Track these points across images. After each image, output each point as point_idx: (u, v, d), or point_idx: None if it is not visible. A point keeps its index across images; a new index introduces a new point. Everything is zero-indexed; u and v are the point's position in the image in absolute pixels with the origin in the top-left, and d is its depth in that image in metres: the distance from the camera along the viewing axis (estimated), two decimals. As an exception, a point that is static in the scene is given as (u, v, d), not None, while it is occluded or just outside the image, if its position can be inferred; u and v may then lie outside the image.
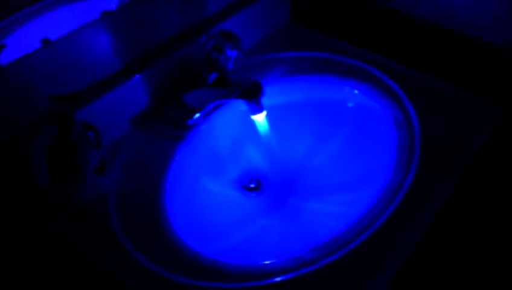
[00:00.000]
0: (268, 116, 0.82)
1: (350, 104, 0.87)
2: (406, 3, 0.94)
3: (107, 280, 0.65)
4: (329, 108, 0.88)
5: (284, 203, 0.84)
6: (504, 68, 0.87)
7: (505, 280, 0.80)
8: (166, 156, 0.78)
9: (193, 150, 0.81)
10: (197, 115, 0.81)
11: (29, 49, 0.64)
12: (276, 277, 0.61)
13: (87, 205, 0.70)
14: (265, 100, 0.79)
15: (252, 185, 0.86)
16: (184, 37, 0.84)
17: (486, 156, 0.77)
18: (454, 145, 0.74)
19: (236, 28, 0.83)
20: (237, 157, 0.87)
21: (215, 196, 0.82)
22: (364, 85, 0.86)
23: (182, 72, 0.82)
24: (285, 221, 0.81)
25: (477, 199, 0.85)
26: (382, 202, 0.69)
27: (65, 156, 0.65)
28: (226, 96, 0.78)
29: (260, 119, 0.80)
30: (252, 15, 0.92)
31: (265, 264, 0.64)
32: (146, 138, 0.80)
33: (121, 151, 0.77)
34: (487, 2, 0.84)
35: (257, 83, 0.77)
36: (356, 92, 0.86)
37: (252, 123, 0.82)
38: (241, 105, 0.80)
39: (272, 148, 0.87)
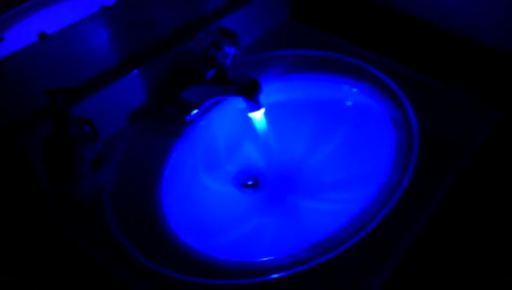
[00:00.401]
0: (266, 114, 0.82)
1: (348, 103, 0.87)
2: (406, 3, 0.94)
3: (101, 276, 0.65)
4: (327, 106, 0.88)
5: (282, 200, 0.84)
6: (503, 68, 0.87)
7: (502, 280, 0.80)
8: (163, 152, 0.78)
9: (190, 147, 0.81)
10: (195, 111, 0.80)
11: (26, 43, 0.64)
12: (272, 274, 0.61)
13: (83, 200, 0.70)
14: (264, 98, 0.79)
15: (250, 182, 0.86)
16: (182, 33, 0.83)
17: (485, 156, 0.77)
18: (453, 145, 0.74)
19: (234, 25, 0.83)
20: (235, 154, 0.87)
21: (213, 193, 0.82)
22: (363, 84, 0.85)
23: (180, 68, 0.82)
24: (282, 218, 0.80)
25: (475, 199, 0.85)
26: (379, 201, 0.69)
27: (61, 150, 0.64)
28: (224, 94, 0.78)
29: (258, 116, 0.80)
30: (251, 12, 0.92)
31: (261, 261, 0.64)
32: (143, 134, 0.80)
33: (117, 147, 0.77)
34: (486, 3, 0.84)
35: (255, 80, 0.76)
36: (354, 90, 0.86)
37: (250, 120, 0.82)
38: (239, 102, 0.79)
39: (269, 146, 0.87)
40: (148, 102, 0.82)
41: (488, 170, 0.85)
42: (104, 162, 0.71)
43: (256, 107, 0.78)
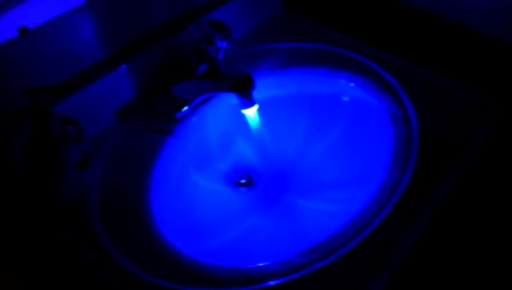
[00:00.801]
0: (260, 110, 0.79)
1: (345, 98, 0.84)
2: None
3: (87, 279, 0.62)
4: (323, 101, 0.85)
5: (276, 200, 0.81)
6: (506, 64, 0.84)
7: (504, 281, 0.78)
8: (152, 150, 0.75)
9: (181, 144, 0.78)
10: (185, 108, 0.77)
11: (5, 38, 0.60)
12: (268, 281, 0.58)
13: (68, 201, 0.66)
14: (257, 93, 0.76)
15: (243, 181, 0.83)
16: (173, 25, 0.80)
17: (487, 154, 0.74)
18: (454, 144, 0.71)
19: (227, 17, 0.80)
20: (228, 152, 0.84)
21: (204, 192, 0.79)
22: (361, 78, 0.82)
23: (170, 62, 0.78)
24: (277, 219, 0.78)
25: (476, 199, 0.82)
26: (377, 202, 0.66)
27: (43, 151, 0.61)
28: (216, 89, 0.75)
29: (251, 113, 0.76)
30: (245, 4, 0.88)
31: (255, 267, 0.61)
32: (132, 132, 0.76)
33: (105, 145, 0.74)
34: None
35: (248, 75, 0.73)
36: (352, 85, 0.83)
37: (244, 117, 0.78)
38: (232, 98, 0.76)
39: (263, 143, 0.84)
40: (137, 98, 0.78)
41: (489, 168, 0.83)
42: (91, 162, 0.68)
43: (250, 104, 0.75)
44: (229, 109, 0.81)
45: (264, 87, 0.80)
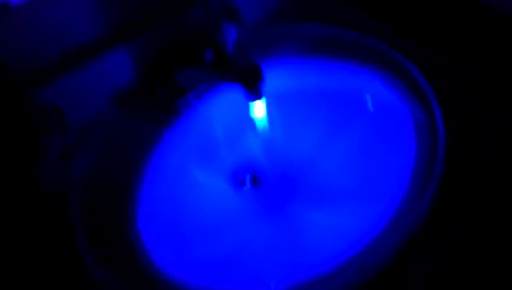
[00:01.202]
0: (272, 103, 0.71)
1: (367, 97, 0.74)
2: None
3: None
4: (343, 98, 0.76)
5: (281, 207, 0.74)
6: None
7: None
8: (149, 141, 0.69)
9: (182, 136, 0.71)
10: (189, 96, 0.70)
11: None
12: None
13: (49, 193, 0.61)
14: (269, 84, 0.68)
15: (247, 180, 0.76)
16: (179, 3, 0.72)
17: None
18: (487, 165, 0.62)
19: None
20: (234, 147, 0.77)
21: (203, 189, 0.73)
22: (387, 75, 0.73)
23: (175, 46, 0.71)
24: (280, 231, 0.70)
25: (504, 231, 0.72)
26: (391, 225, 0.58)
27: (17, 140, 0.55)
28: (222, 79, 0.67)
29: (258, 108, 0.69)
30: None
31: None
32: (127, 120, 0.70)
33: (97, 133, 0.67)
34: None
35: (257, 66, 0.65)
36: (376, 82, 0.73)
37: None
38: (241, 88, 0.68)
39: (273, 140, 0.76)
40: (136, 82, 0.71)
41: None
42: (76, 151, 0.62)
43: (256, 97, 0.67)
44: (237, 100, 0.73)
45: (277, 78, 0.73)
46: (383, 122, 0.72)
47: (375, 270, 0.54)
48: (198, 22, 0.66)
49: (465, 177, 0.61)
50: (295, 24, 0.80)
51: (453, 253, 0.57)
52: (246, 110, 0.70)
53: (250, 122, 0.72)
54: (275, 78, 0.71)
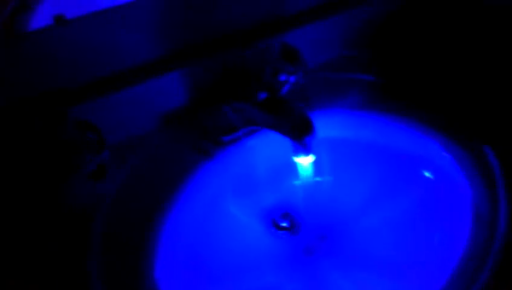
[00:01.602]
0: (323, 149, 0.67)
1: (426, 163, 0.68)
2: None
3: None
4: (400, 160, 0.70)
5: (314, 260, 0.69)
6: None
7: None
8: (186, 170, 0.66)
9: (222, 170, 0.69)
10: (235, 133, 0.67)
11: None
12: None
13: (73, 210, 0.61)
14: (323, 130, 0.63)
15: (284, 224, 0.72)
16: (242, 35, 0.68)
17: None
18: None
19: (313, 36, 0.67)
20: (274, 188, 0.73)
21: (234, 227, 0.70)
22: (453, 145, 0.65)
23: (229, 79, 0.68)
24: (307, 286, 0.66)
25: None
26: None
27: (50, 156, 0.55)
28: (269, 126, 0.63)
29: (305, 163, 0.64)
30: (343, 22, 0.74)
31: None
32: (168, 145, 0.68)
33: (132, 155, 0.66)
34: None
35: (308, 120, 0.60)
36: (439, 150, 0.66)
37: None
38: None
39: (318, 188, 0.72)
40: (184, 107, 0.69)
41: None
42: (108, 171, 0.61)
43: (304, 152, 0.63)
44: (284, 140, 0.69)
45: (332, 125, 0.69)
46: (439, 194, 0.66)
47: None
48: (256, 60, 0.62)
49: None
50: (360, 74, 0.74)
51: None
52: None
53: (296, 165, 0.68)
54: (329, 125, 0.67)
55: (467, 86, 0.72)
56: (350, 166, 0.73)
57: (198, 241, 0.66)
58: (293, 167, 0.68)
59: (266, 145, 0.70)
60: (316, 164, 0.66)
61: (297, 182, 0.72)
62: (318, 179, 0.71)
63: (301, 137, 0.61)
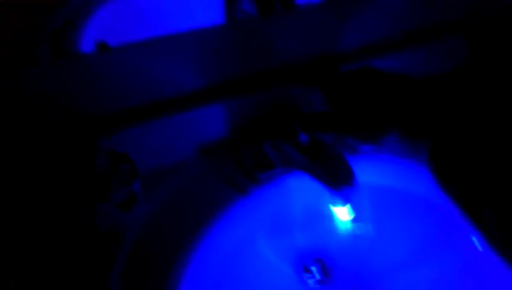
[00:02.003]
0: (363, 195, 0.63)
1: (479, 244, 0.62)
2: None
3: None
4: (449, 219, 0.64)
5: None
6: None
7: None
8: (219, 205, 0.64)
9: (255, 209, 0.66)
10: (272, 171, 0.64)
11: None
12: None
13: (98, 237, 0.60)
14: (364, 175, 0.59)
15: (314, 268, 0.68)
16: (291, 73, 0.65)
17: None
18: None
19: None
20: (308, 231, 0.70)
21: (262, 268, 0.67)
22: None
23: (273, 114, 0.65)
24: None
25: None
26: None
27: (80, 186, 0.54)
28: (309, 170, 0.60)
29: (342, 213, 0.60)
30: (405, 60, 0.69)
31: None
32: (202, 176, 0.66)
33: (166, 184, 0.65)
34: None
35: (348, 169, 0.57)
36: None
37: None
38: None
39: (353, 236, 0.67)
40: (223, 140, 0.67)
41: None
42: (139, 200, 0.60)
43: (341, 202, 0.59)
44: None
45: (375, 172, 0.65)
46: (485, 260, 0.60)
47: None
48: (301, 101, 0.59)
49: None
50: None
51: None
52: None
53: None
54: (372, 171, 0.63)
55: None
56: (392, 216, 0.68)
57: (225, 278, 0.64)
58: (330, 211, 0.65)
59: (303, 186, 0.67)
60: (355, 211, 0.62)
61: (333, 228, 0.68)
62: (355, 226, 0.67)
63: (339, 187, 0.57)
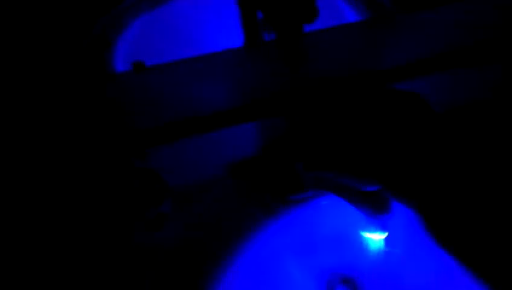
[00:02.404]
0: (398, 220, 0.61)
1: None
2: None
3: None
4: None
5: None
6: None
7: None
8: (247, 226, 0.63)
9: (285, 231, 0.64)
10: (304, 193, 0.62)
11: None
12: None
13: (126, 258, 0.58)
14: None
15: (340, 288, 0.67)
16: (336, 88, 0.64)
17: None
18: None
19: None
20: (338, 255, 0.68)
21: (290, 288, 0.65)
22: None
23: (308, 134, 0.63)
24: None
25: None
26: None
27: (111, 206, 0.53)
28: (344, 195, 0.58)
29: (377, 240, 0.59)
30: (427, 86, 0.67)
31: None
32: (231, 196, 0.64)
33: (194, 203, 0.63)
34: None
35: (387, 198, 0.55)
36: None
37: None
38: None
39: (385, 261, 0.65)
40: (254, 159, 0.65)
41: None
42: (168, 220, 0.59)
43: (378, 229, 0.57)
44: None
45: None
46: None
47: None
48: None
49: None
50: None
51: None
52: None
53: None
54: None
55: None
56: (424, 238, 0.66)
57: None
58: (361, 235, 0.63)
59: (334, 209, 0.65)
60: (388, 236, 0.61)
61: (364, 250, 0.67)
62: (387, 251, 0.65)
63: (377, 215, 0.56)
